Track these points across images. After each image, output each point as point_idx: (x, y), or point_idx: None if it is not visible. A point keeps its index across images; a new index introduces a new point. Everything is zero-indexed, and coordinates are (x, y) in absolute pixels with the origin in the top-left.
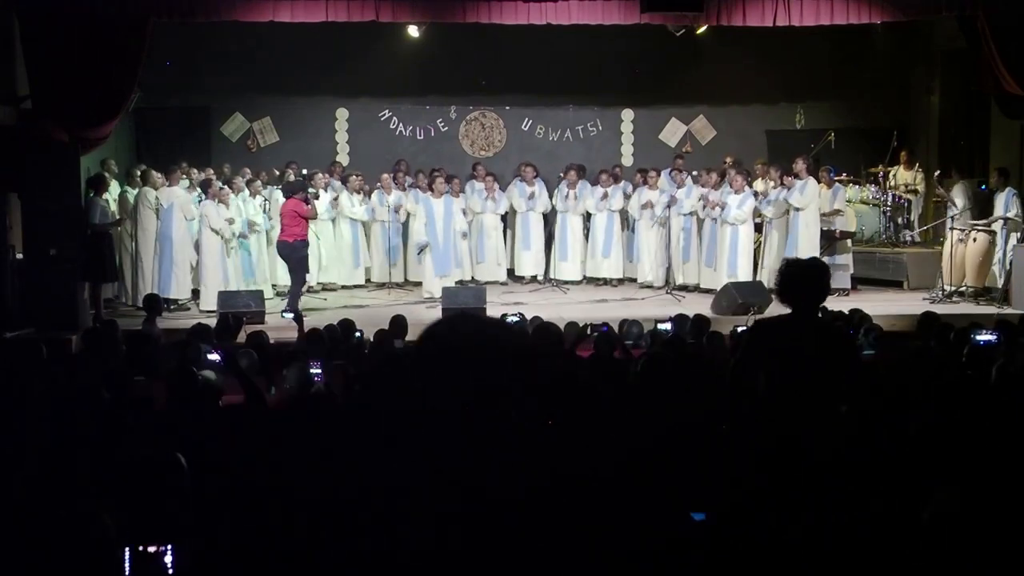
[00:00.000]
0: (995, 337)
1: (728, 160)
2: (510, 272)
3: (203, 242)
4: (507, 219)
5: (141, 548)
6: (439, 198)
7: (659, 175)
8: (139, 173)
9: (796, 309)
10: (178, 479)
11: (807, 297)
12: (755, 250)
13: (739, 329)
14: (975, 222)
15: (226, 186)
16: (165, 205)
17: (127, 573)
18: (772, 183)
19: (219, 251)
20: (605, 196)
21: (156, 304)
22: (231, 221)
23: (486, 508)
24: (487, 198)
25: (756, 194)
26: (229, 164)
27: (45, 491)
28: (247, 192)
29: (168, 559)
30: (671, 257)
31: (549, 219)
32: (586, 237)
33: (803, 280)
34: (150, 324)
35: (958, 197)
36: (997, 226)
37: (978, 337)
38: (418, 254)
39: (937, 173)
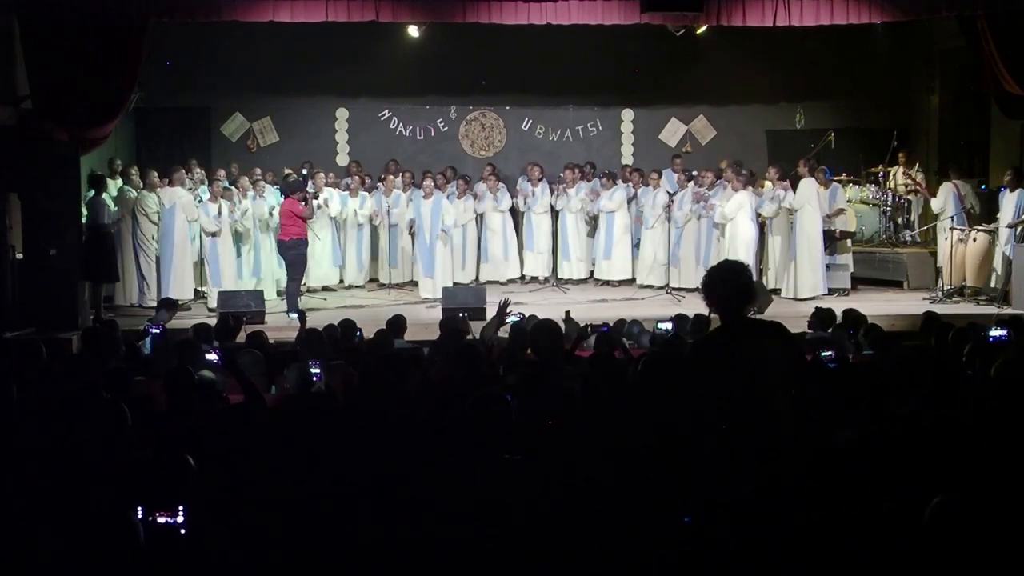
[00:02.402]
0: (1005, 333)
1: (723, 164)
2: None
3: (207, 242)
4: (517, 219)
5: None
6: (428, 199)
7: (660, 175)
8: (136, 174)
9: (725, 316)
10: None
11: (732, 301)
12: (758, 251)
13: None
14: (982, 226)
15: (234, 186)
16: (167, 205)
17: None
18: (772, 184)
19: (222, 250)
20: (594, 197)
21: (169, 308)
22: (231, 210)
23: (487, 507)
24: (491, 197)
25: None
26: (237, 165)
27: (46, 490)
28: (253, 192)
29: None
30: (669, 257)
31: (552, 219)
32: (591, 237)
33: (723, 283)
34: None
35: (939, 197)
36: (1001, 225)
37: (992, 333)
38: (410, 232)
39: (918, 170)
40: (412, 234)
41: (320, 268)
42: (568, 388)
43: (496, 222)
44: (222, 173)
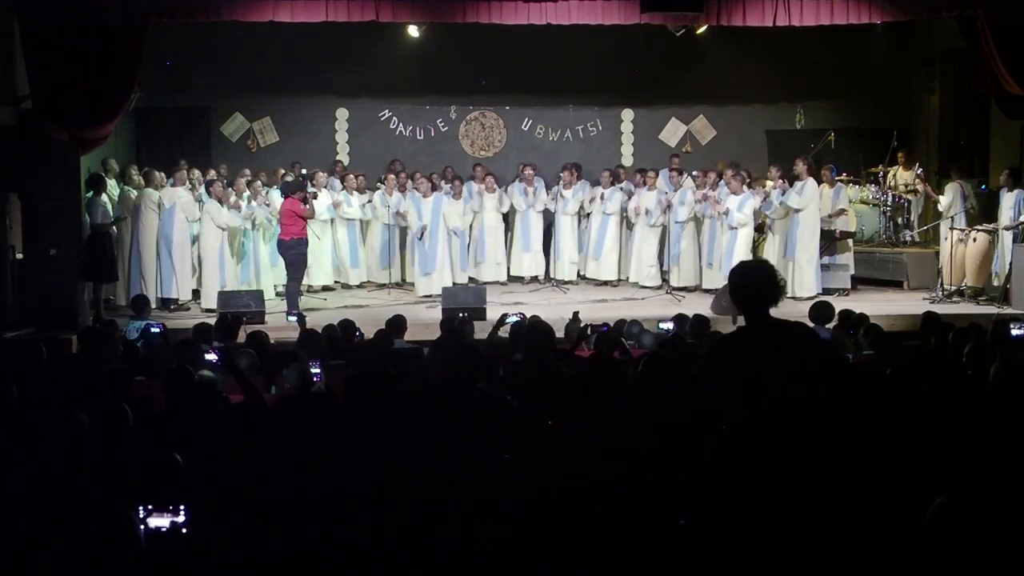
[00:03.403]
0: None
1: (720, 166)
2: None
3: (203, 242)
4: (508, 220)
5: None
6: (428, 198)
7: (657, 175)
8: (140, 173)
9: (750, 315)
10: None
11: (759, 300)
12: (755, 250)
13: None
14: (982, 226)
15: (230, 187)
16: (167, 205)
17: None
18: (773, 184)
19: (219, 251)
20: (599, 198)
21: (144, 305)
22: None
23: (487, 507)
24: (489, 196)
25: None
26: (226, 165)
27: (45, 490)
28: (248, 192)
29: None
30: (668, 258)
31: (546, 219)
32: (585, 237)
33: (752, 283)
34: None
35: (946, 196)
36: (1000, 227)
37: (1015, 332)
38: (419, 239)
39: (920, 170)
40: (420, 237)
41: (319, 267)
42: (567, 387)
43: (493, 221)
44: (213, 174)
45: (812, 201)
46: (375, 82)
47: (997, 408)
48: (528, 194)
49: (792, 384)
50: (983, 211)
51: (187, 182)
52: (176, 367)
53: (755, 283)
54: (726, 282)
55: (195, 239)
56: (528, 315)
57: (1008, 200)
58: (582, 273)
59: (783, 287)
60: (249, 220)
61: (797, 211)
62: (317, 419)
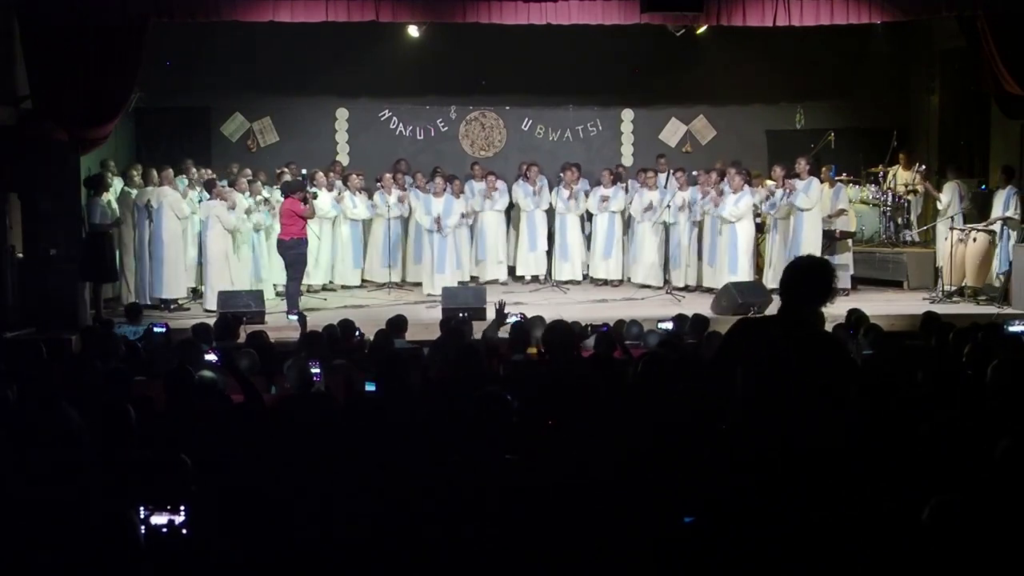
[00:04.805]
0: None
1: (718, 165)
2: (511, 271)
3: (207, 242)
4: (510, 218)
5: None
6: (439, 197)
7: (656, 175)
8: (139, 173)
9: (786, 307)
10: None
11: (799, 295)
12: (757, 250)
13: None
14: (975, 225)
15: (232, 188)
16: (155, 205)
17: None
18: (775, 183)
19: (223, 251)
20: (605, 200)
21: (137, 314)
22: (248, 211)
23: (487, 507)
24: (487, 196)
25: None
26: (230, 165)
27: (46, 490)
28: (249, 192)
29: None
30: (669, 258)
31: (548, 219)
32: (587, 237)
33: (797, 277)
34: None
35: (944, 195)
36: (996, 226)
37: (1011, 328)
38: (435, 231)
39: (922, 167)
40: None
41: (319, 267)
42: (567, 387)
43: (494, 221)
44: (210, 172)
45: (818, 201)
46: (375, 82)
47: (997, 408)
48: (533, 193)
49: (802, 381)
50: (978, 211)
51: (175, 181)
52: (176, 367)
53: (809, 279)
54: (727, 282)
55: (199, 240)
56: (528, 315)
57: (999, 197)
58: (589, 273)
59: (834, 292)
60: (250, 222)
61: (803, 211)
62: (317, 419)
